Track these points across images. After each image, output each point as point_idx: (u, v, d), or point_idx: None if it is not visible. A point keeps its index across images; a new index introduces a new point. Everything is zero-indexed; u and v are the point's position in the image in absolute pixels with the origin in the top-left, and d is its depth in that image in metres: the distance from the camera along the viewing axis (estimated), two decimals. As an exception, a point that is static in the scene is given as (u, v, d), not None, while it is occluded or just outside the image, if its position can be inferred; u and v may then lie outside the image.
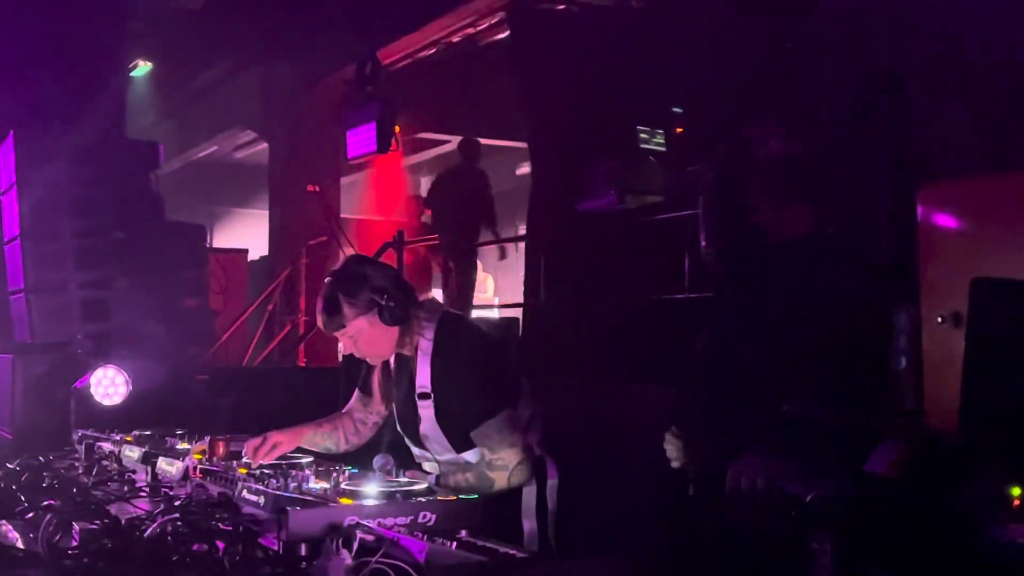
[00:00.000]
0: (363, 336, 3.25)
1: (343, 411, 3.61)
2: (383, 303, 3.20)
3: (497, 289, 13.23)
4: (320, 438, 3.50)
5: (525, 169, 13.52)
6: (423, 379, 3.26)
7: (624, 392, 4.36)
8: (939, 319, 4.69)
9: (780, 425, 1.85)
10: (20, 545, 2.50)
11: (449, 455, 3.30)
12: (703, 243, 2.65)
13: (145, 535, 2.26)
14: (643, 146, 8.10)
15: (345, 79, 10.43)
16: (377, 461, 2.89)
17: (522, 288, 8.97)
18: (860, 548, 1.54)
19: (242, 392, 6.75)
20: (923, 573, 1.58)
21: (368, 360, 3.39)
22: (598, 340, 6.93)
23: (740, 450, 1.87)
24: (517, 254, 13.50)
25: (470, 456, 3.26)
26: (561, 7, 8.43)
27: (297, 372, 8.45)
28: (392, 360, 3.42)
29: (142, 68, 12.59)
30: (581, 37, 8.14)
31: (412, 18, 9.77)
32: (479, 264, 11.20)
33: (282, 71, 12.23)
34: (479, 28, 9.85)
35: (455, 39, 10.31)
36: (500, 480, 3.17)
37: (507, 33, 9.30)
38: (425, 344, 3.26)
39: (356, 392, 3.61)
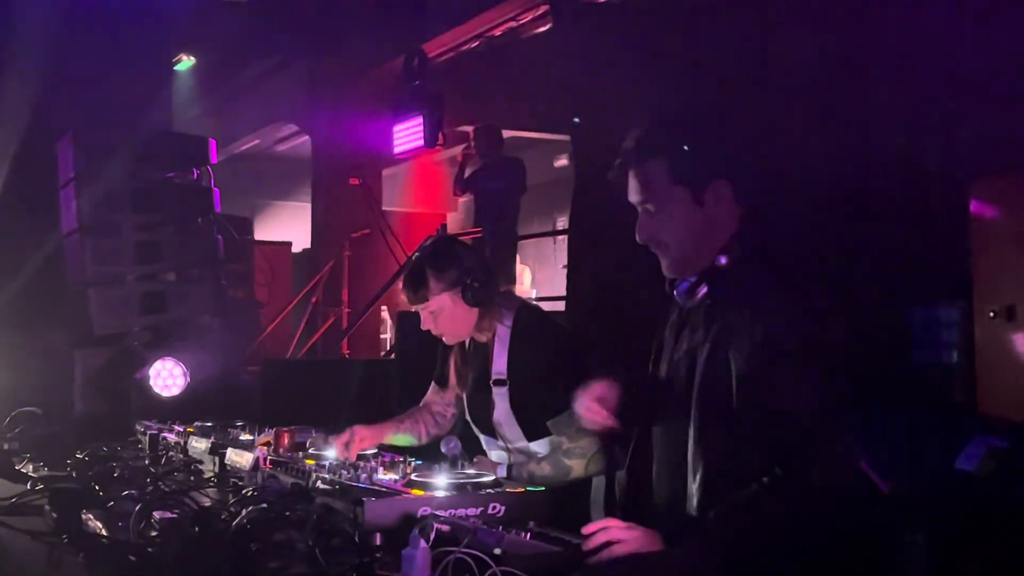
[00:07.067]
0: (444, 313, 3.30)
1: (421, 405, 3.66)
2: (468, 283, 3.24)
3: (534, 282, 13.26)
4: (402, 434, 3.56)
5: (563, 161, 13.53)
6: (500, 365, 3.30)
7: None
8: (991, 313, 4.67)
9: (861, 420, 1.88)
10: (105, 533, 2.58)
11: (520, 443, 3.33)
12: None
13: (233, 524, 2.33)
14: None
15: (389, 73, 10.49)
16: (445, 444, 2.94)
17: (561, 280, 8.96)
18: (954, 545, 1.56)
19: (293, 384, 6.85)
20: (1018, 572, 1.59)
21: (444, 339, 3.43)
22: (643, 333, 6.92)
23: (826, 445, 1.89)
24: (555, 247, 13.52)
25: (538, 447, 3.30)
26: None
27: (346, 364, 8.53)
28: (467, 345, 3.47)
29: (185, 63, 12.71)
30: (625, 28, 8.13)
31: (457, 12, 9.82)
32: (516, 256, 11.18)
33: (325, 65, 12.31)
34: (522, 21, 9.90)
35: (497, 32, 10.35)
36: (578, 468, 3.20)
37: (549, 26, 9.33)
38: (503, 331, 3.31)
39: (432, 385, 3.66)
